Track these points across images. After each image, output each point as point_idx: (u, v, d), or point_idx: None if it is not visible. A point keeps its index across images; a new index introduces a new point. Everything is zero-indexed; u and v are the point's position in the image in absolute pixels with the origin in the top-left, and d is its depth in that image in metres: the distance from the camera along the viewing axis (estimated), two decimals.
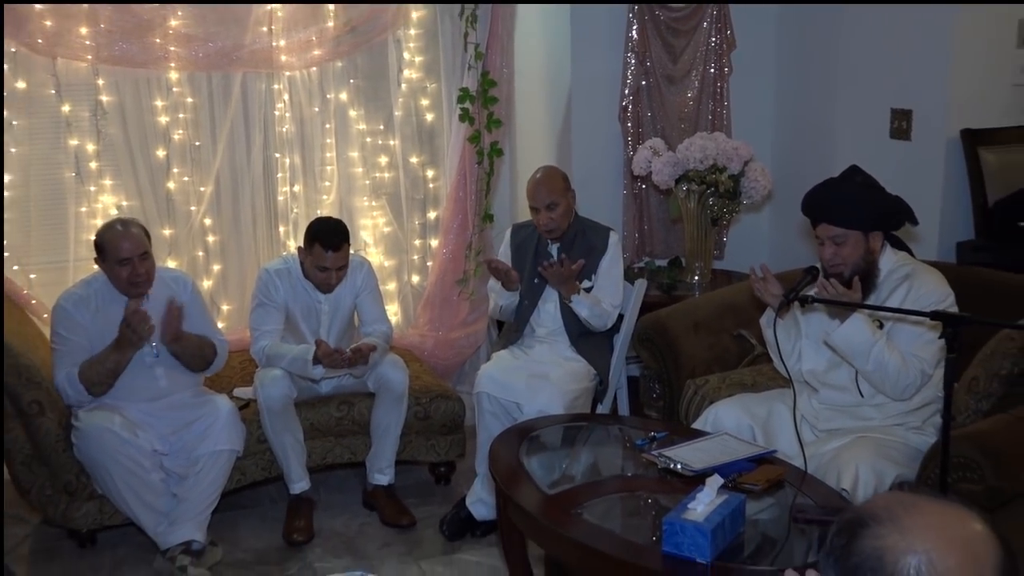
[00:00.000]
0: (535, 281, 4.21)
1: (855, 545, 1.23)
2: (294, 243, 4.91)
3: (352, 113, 4.92)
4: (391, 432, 4.22)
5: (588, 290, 4.17)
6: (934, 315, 2.78)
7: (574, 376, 4.05)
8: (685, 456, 3.17)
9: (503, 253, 4.35)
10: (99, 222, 4.48)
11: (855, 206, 3.29)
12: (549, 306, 4.24)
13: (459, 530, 4.04)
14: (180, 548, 3.76)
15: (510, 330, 4.35)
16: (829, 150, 4.96)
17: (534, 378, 3.99)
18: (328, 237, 4.04)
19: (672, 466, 3.12)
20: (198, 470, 3.84)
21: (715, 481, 2.78)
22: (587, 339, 4.18)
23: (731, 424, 3.50)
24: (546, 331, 4.24)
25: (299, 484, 4.15)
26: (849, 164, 4.83)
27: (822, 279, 3.26)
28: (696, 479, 2.99)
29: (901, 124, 4.61)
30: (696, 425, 3.60)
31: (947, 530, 1.22)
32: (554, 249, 4.21)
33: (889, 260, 3.40)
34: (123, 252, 3.79)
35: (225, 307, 4.89)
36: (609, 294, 4.18)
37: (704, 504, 2.69)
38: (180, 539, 3.77)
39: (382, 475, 4.26)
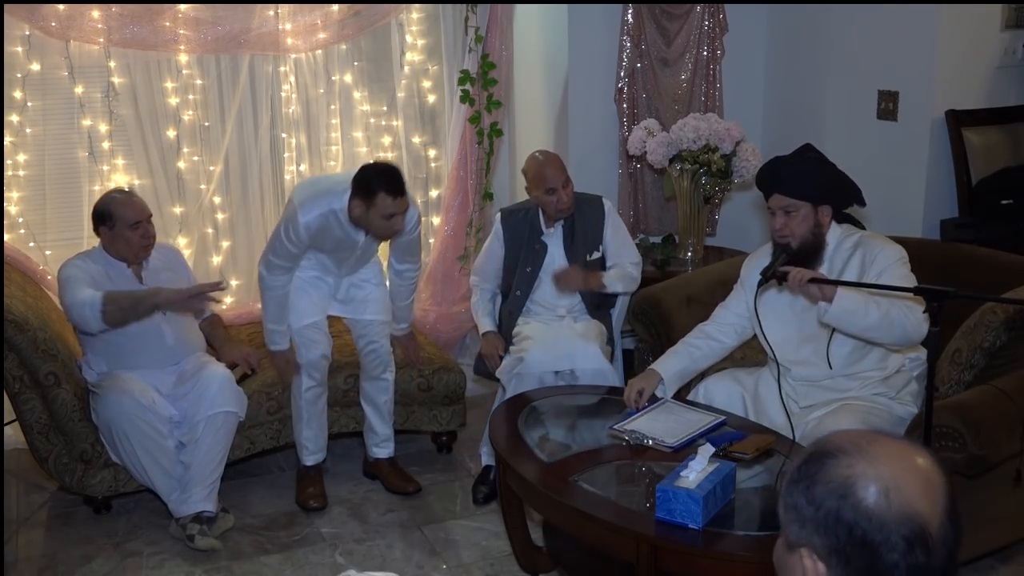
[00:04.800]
0: (528, 270, 4.25)
1: (824, 474, 1.30)
2: None
3: (356, 94, 4.97)
4: (378, 405, 4.31)
5: (597, 260, 4.26)
6: (917, 290, 2.82)
7: (601, 333, 4.18)
8: (651, 430, 3.26)
9: (494, 243, 4.36)
10: None
11: (807, 178, 3.33)
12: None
13: (492, 492, 4.08)
14: (191, 517, 3.83)
15: (502, 317, 4.38)
16: (818, 131, 4.97)
17: (576, 341, 4.07)
18: (392, 184, 3.80)
19: (646, 442, 3.20)
20: (198, 436, 3.88)
21: (707, 450, 2.85)
22: (600, 311, 4.29)
23: (722, 396, 3.57)
24: (565, 308, 4.28)
25: (320, 455, 4.26)
26: (837, 144, 4.91)
27: (798, 268, 3.19)
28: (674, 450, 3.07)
29: (888, 105, 4.66)
30: (689, 397, 3.66)
31: (906, 461, 1.30)
32: (551, 234, 4.24)
33: (835, 234, 3.41)
34: (133, 216, 3.94)
35: (235, 282, 4.94)
36: (627, 255, 4.28)
37: (696, 472, 2.75)
38: (192, 510, 3.83)
39: (380, 449, 4.34)
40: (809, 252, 3.32)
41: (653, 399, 3.54)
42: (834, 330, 3.35)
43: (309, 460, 4.23)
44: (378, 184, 3.77)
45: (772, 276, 3.22)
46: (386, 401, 4.30)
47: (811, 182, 3.33)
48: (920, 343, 3.26)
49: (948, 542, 1.28)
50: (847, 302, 3.12)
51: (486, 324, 4.35)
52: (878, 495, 1.26)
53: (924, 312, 2.79)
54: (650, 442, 3.20)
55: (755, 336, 3.66)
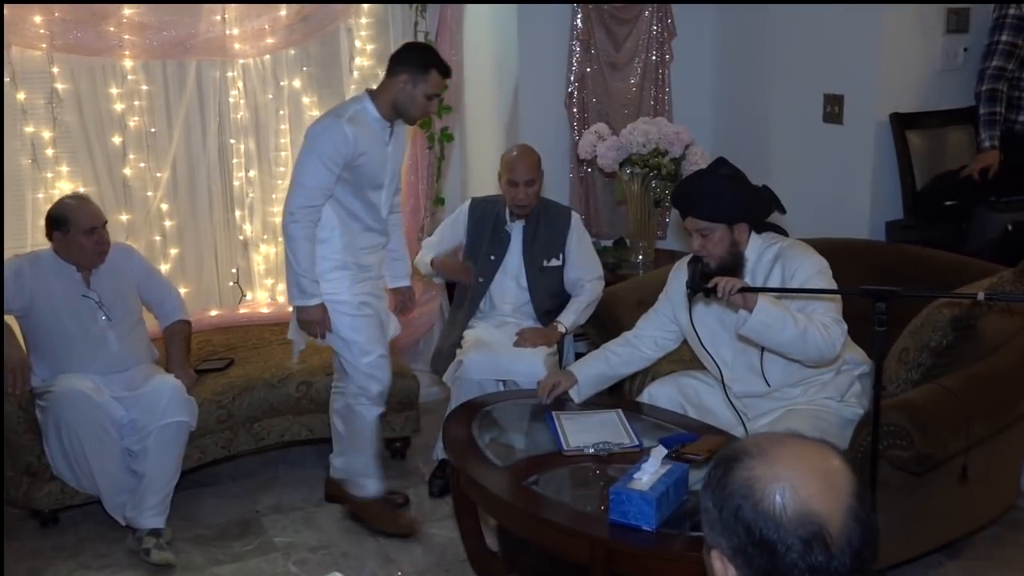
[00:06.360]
0: (491, 258, 4.25)
1: (729, 477, 1.34)
2: (250, 227, 4.95)
3: (305, 100, 4.92)
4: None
5: (557, 268, 4.24)
6: (863, 292, 2.80)
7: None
8: (603, 437, 3.29)
9: (457, 223, 4.34)
10: None
11: (719, 199, 3.28)
12: (511, 282, 4.28)
13: (448, 485, 3.99)
14: (147, 530, 3.79)
15: (462, 307, 4.34)
16: (765, 134, 5.06)
17: (515, 348, 4.08)
18: (445, 65, 3.78)
19: (614, 450, 3.21)
20: (148, 445, 3.83)
21: (659, 451, 2.85)
22: (549, 317, 4.26)
23: (665, 400, 3.58)
24: (511, 307, 4.29)
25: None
26: (785, 147, 4.96)
27: (726, 278, 3.17)
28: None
29: (833, 109, 4.72)
30: (636, 399, 3.69)
31: (808, 462, 1.33)
32: (515, 228, 4.26)
33: (755, 246, 3.38)
34: (89, 222, 3.90)
35: (183, 290, 4.80)
36: (588, 268, 4.29)
37: (649, 474, 2.75)
38: (145, 525, 3.79)
39: None
40: (728, 271, 3.28)
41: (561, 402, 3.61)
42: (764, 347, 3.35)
43: (379, 489, 4.04)
44: (432, 61, 3.73)
45: (700, 290, 3.20)
46: None
47: (723, 203, 3.29)
48: (830, 363, 3.30)
49: (854, 543, 1.30)
50: (766, 315, 3.10)
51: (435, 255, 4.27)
52: (774, 496, 1.29)
53: (876, 314, 2.77)
54: (617, 448, 3.22)
55: (682, 347, 3.70)
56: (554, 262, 4.26)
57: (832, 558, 1.28)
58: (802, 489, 1.29)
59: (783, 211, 3.47)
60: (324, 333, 3.81)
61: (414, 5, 4.88)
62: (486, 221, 4.29)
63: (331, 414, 4.11)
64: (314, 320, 3.76)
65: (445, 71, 3.76)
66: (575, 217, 4.34)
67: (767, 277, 3.35)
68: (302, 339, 3.96)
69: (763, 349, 3.34)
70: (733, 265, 3.31)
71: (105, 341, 3.99)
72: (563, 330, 4.20)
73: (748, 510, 1.30)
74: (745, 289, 3.12)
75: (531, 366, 4.01)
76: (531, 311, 4.29)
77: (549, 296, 4.28)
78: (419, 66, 3.71)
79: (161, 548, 3.77)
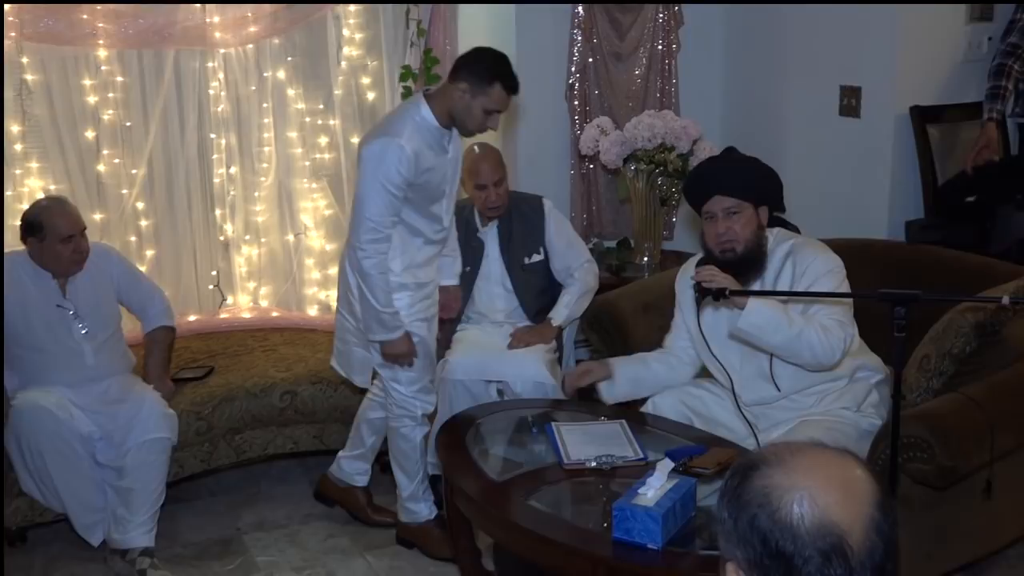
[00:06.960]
0: (466, 269, 4.15)
1: (746, 486, 1.30)
2: (231, 227, 4.83)
3: (290, 92, 4.80)
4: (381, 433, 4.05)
5: (541, 263, 4.17)
6: (882, 296, 2.70)
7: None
8: (606, 450, 3.17)
9: None
10: (25, 206, 4.31)
11: (746, 175, 3.25)
12: (497, 289, 4.21)
13: (440, 501, 3.87)
14: (139, 550, 3.69)
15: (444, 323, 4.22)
16: (778, 128, 4.99)
17: (511, 352, 4.00)
18: (513, 80, 3.49)
19: (617, 463, 3.10)
20: (126, 463, 3.72)
21: (666, 465, 2.76)
22: (542, 316, 4.18)
23: (670, 411, 3.48)
24: (503, 314, 4.21)
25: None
26: (799, 143, 4.93)
27: (708, 267, 3.12)
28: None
29: (850, 101, 4.64)
30: (642, 411, 3.58)
31: (828, 471, 1.30)
32: (488, 232, 4.17)
33: (769, 240, 3.33)
34: (67, 229, 3.75)
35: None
36: (573, 255, 4.21)
37: (654, 489, 2.67)
38: (138, 545, 3.69)
39: (363, 476, 4.10)
40: (754, 257, 3.22)
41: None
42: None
43: (432, 512, 3.88)
44: (499, 73, 3.45)
45: (708, 293, 3.08)
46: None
47: (751, 178, 3.26)
48: (830, 368, 3.22)
49: (875, 557, 1.26)
50: (756, 316, 3.04)
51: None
52: (792, 505, 1.26)
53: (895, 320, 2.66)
54: (621, 461, 3.12)
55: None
56: (536, 257, 4.19)
57: (852, 572, 1.24)
58: (821, 498, 1.26)
59: (782, 209, 3.42)
60: (412, 362, 3.67)
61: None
62: (458, 228, 4.16)
63: (359, 419, 4.03)
64: (400, 352, 3.63)
65: (512, 86, 3.48)
66: (547, 205, 4.25)
67: (779, 275, 3.29)
68: (364, 365, 3.81)
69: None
70: (758, 251, 3.24)
71: (80, 353, 3.86)
72: (556, 324, 4.11)
73: (764, 519, 1.27)
74: (743, 292, 3.07)
75: (524, 366, 3.92)
76: (523, 313, 4.22)
77: (538, 294, 4.21)
78: (482, 77, 3.44)
79: (156, 567, 3.68)
